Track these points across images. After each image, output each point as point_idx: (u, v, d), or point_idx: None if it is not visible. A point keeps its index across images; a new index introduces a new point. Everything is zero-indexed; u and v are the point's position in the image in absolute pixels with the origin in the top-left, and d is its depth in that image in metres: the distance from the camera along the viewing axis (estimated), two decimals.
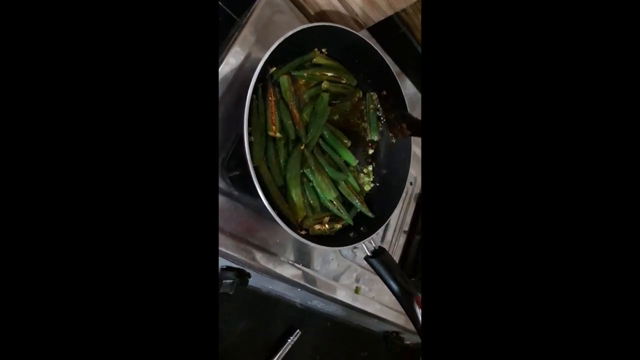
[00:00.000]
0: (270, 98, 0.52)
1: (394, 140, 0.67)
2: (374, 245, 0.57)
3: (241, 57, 0.55)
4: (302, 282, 0.62)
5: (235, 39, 0.56)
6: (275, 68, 0.54)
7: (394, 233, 0.80)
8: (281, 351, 0.79)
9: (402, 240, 0.81)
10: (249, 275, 0.60)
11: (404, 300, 0.53)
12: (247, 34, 0.56)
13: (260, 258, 0.56)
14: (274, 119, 0.52)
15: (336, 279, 0.67)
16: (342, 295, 0.68)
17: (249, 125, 0.49)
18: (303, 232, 0.52)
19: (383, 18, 0.62)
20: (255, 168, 0.46)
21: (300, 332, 0.82)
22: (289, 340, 0.81)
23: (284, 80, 0.55)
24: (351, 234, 0.58)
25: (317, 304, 0.76)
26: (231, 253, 0.53)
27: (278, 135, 0.52)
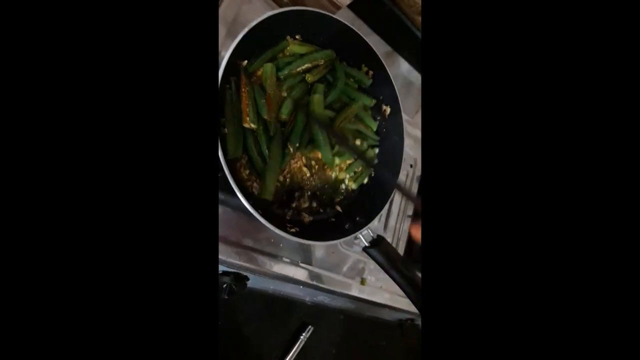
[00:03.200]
0: (243, 89, 0.50)
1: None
2: (372, 234, 0.55)
3: None
4: (304, 280, 0.60)
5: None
6: (247, 61, 0.52)
7: (397, 219, 0.77)
8: (294, 348, 0.78)
9: (406, 225, 0.78)
10: (246, 278, 0.58)
11: (408, 288, 0.51)
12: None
13: (255, 260, 0.54)
14: (248, 109, 0.49)
15: (340, 272, 0.65)
16: (348, 288, 0.66)
17: (222, 116, 0.47)
18: (294, 230, 0.50)
19: None
20: (230, 161, 0.44)
21: (312, 328, 0.80)
22: (301, 337, 0.80)
23: (268, 68, 0.52)
24: (346, 225, 0.56)
25: (324, 299, 0.74)
26: (224, 258, 0.51)
27: (252, 125, 0.50)
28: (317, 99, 0.54)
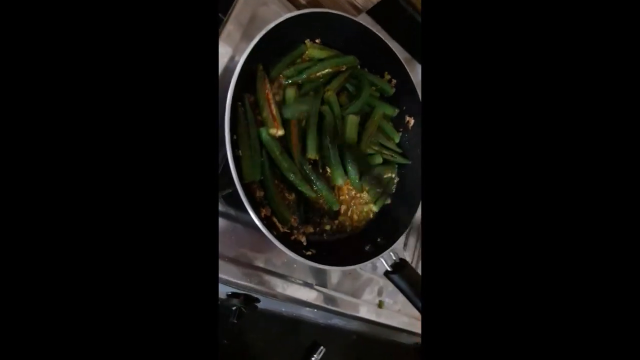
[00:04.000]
0: (267, 90, 0.45)
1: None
2: (394, 257, 0.50)
3: (225, 59, 0.49)
4: (317, 303, 0.55)
5: (218, 37, 0.49)
6: (262, 66, 0.48)
7: (418, 236, 0.72)
8: None
9: None
10: (257, 300, 0.54)
11: None
12: (231, 31, 0.50)
13: (267, 282, 0.50)
14: (274, 112, 0.45)
15: (356, 295, 0.60)
16: (364, 311, 0.61)
17: (235, 134, 0.42)
18: (309, 252, 0.46)
19: None
20: (246, 185, 0.40)
21: (324, 349, 0.76)
22: (313, 358, 0.75)
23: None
24: (367, 247, 0.51)
25: (339, 321, 0.70)
26: (233, 280, 0.47)
27: (280, 133, 0.46)
28: (352, 120, 0.51)
